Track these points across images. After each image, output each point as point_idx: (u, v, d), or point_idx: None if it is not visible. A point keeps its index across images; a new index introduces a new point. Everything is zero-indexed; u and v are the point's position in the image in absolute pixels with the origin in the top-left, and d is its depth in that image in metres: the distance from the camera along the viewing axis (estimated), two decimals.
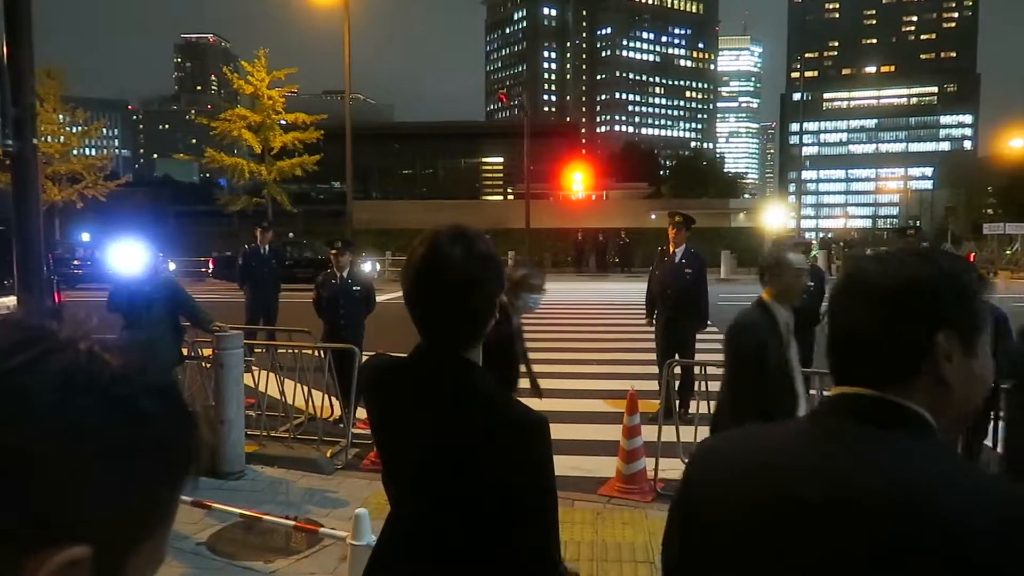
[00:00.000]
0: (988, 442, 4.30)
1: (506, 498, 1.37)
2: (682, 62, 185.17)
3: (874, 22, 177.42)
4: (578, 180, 49.47)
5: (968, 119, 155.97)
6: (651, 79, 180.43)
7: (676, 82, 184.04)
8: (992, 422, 4.23)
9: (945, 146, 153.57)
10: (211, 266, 25.81)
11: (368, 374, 1.60)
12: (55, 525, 0.49)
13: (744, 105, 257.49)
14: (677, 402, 6.59)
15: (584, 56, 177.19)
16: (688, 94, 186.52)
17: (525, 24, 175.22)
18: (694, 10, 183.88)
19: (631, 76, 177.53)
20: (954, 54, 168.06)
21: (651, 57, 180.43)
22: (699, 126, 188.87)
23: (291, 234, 29.18)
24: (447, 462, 1.42)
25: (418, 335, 1.49)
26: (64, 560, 0.49)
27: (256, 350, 7.90)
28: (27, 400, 0.49)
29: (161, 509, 0.56)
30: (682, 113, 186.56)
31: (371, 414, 1.61)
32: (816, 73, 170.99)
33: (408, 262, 1.45)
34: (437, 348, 1.46)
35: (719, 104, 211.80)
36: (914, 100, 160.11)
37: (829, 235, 64.96)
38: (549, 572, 1.42)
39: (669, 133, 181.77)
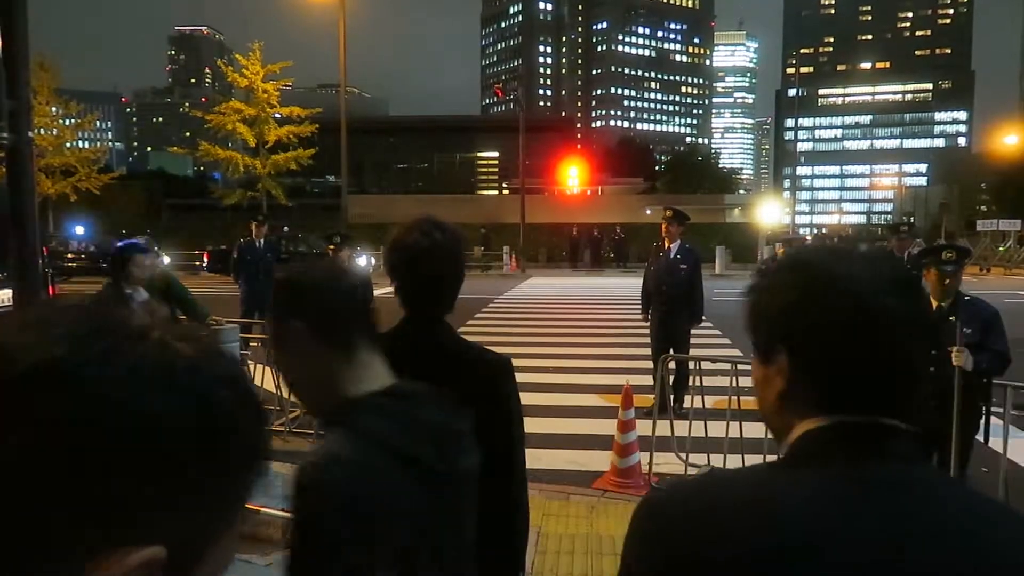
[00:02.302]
0: (980, 437, 4.33)
1: (487, 431, 1.60)
2: (677, 57, 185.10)
3: (869, 18, 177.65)
4: (573, 175, 49.48)
5: (962, 115, 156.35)
6: (647, 74, 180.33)
7: (671, 77, 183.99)
8: (983, 417, 4.27)
9: (939, 142, 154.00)
10: (205, 260, 25.75)
11: None
12: (130, 524, 0.47)
13: (739, 101, 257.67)
14: (671, 397, 6.62)
15: (580, 51, 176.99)
16: (683, 89, 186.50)
17: (521, 19, 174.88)
18: (690, 5, 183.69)
19: (627, 71, 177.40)
20: (949, 51, 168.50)
21: (647, 52, 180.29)
22: (694, 121, 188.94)
23: (286, 228, 29.11)
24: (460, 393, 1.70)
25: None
26: (139, 561, 0.47)
27: (251, 343, 7.89)
28: (103, 393, 0.46)
29: (233, 506, 0.54)
30: (677, 108, 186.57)
31: None
32: (811, 69, 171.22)
33: (396, 249, 1.76)
34: (424, 312, 1.77)
35: (714, 99, 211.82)
36: (909, 96, 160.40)
37: (823, 231, 65.11)
38: (522, 519, 1.76)
39: (664, 128, 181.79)
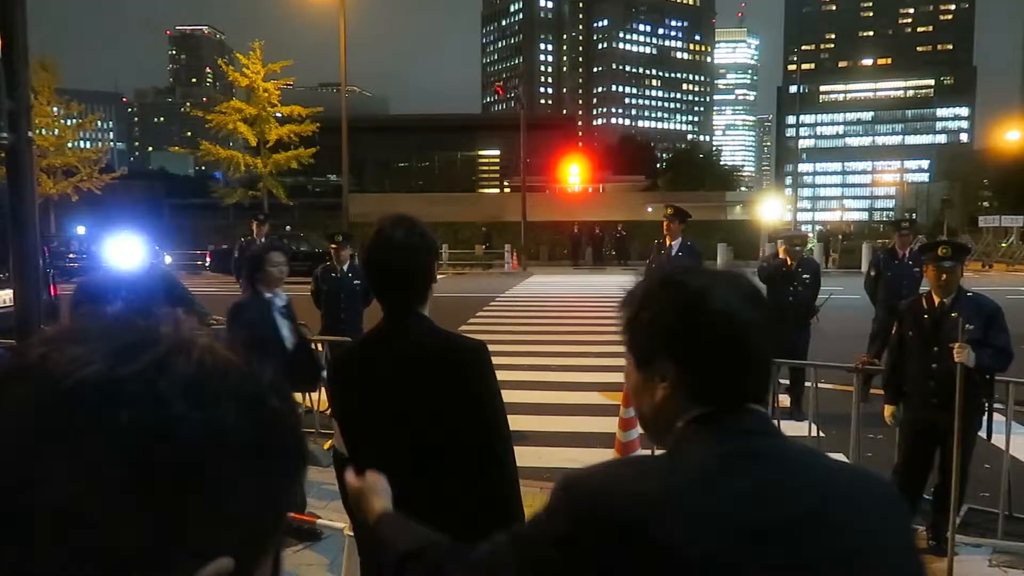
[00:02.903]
0: (982, 433, 4.32)
1: (469, 412, 1.77)
2: (679, 54, 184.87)
3: (871, 14, 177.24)
4: (574, 173, 49.44)
5: (964, 112, 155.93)
6: (648, 71, 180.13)
7: (673, 74, 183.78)
8: (986, 413, 4.25)
9: (941, 139, 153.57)
10: (208, 259, 25.77)
11: (338, 356, 2.12)
12: (200, 539, 0.46)
13: (741, 98, 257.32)
14: None
15: (580, 48, 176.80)
16: (685, 86, 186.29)
17: (522, 16, 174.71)
18: (690, 2, 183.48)
19: (628, 68, 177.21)
20: (951, 47, 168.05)
21: (648, 49, 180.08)
22: (696, 119, 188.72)
23: (288, 227, 29.12)
24: (402, 393, 1.79)
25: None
26: (212, 574, 0.47)
27: None
28: (161, 407, 0.45)
29: (284, 513, 0.53)
30: (679, 106, 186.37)
31: (335, 388, 2.03)
32: (813, 65, 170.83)
33: (365, 243, 1.89)
34: (392, 303, 1.87)
35: (716, 96, 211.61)
36: (910, 93, 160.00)
37: (826, 228, 65.03)
38: (508, 488, 1.84)
39: (666, 126, 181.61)
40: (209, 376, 0.47)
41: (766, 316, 1.00)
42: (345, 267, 7.16)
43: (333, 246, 7.22)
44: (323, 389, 6.99)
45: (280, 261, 4.56)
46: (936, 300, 4.23)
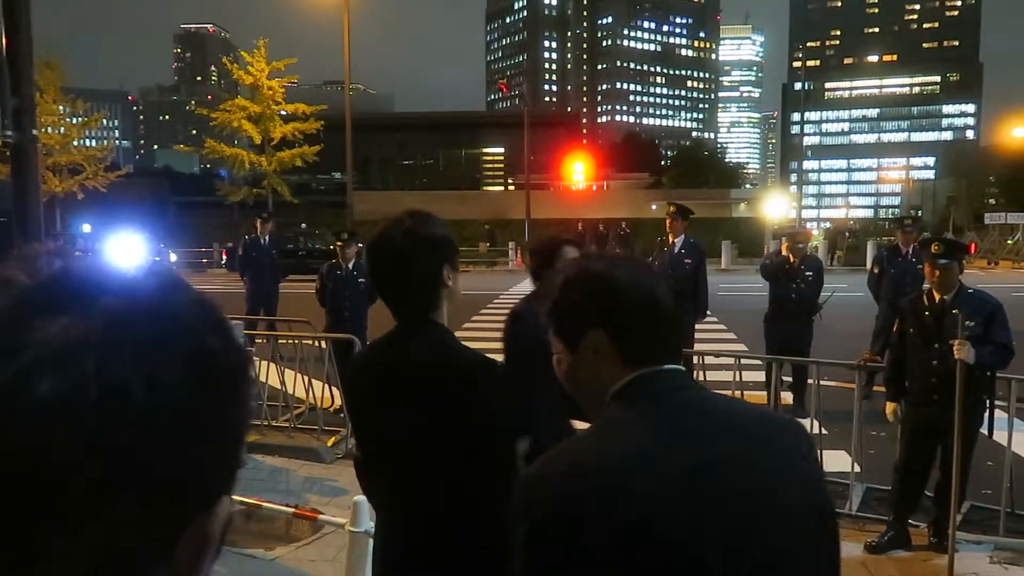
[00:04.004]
0: (984, 430, 4.32)
1: (488, 428, 1.65)
2: (683, 51, 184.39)
3: (876, 11, 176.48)
4: (579, 170, 49.40)
5: (971, 108, 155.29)
6: (652, 69, 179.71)
7: (677, 72, 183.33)
8: (987, 410, 4.26)
9: (947, 135, 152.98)
10: (223, 257, 26.03)
11: (354, 361, 1.92)
12: (200, 489, 0.47)
13: (746, 95, 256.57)
14: None
15: (585, 46, 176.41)
16: (689, 84, 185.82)
17: (525, 13, 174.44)
18: None
19: (632, 66, 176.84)
20: (957, 43, 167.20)
21: (652, 47, 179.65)
22: (700, 116, 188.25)
23: (304, 224, 29.26)
24: (413, 401, 1.67)
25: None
26: (225, 514, 0.48)
27: (257, 340, 7.93)
28: (121, 386, 0.42)
29: (242, 450, 0.52)
30: (683, 103, 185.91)
31: (351, 395, 1.89)
32: (818, 62, 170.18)
33: (367, 243, 1.78)
34: (399, 313, 1.76)
35: (720, 94, 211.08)
36: (916, 89, 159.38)
37: (828, 225, 64.80)
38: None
39: (670, 123, 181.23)
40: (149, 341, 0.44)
41: (661, 282, 1.18)
42: (350, 265, 7.19)
43: (339, 243, 7.28)
44: (327, 387, 7.03)
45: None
46: (937, 297, 4.23)
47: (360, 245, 7.77)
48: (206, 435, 0.46)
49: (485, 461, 1.64)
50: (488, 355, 1.77)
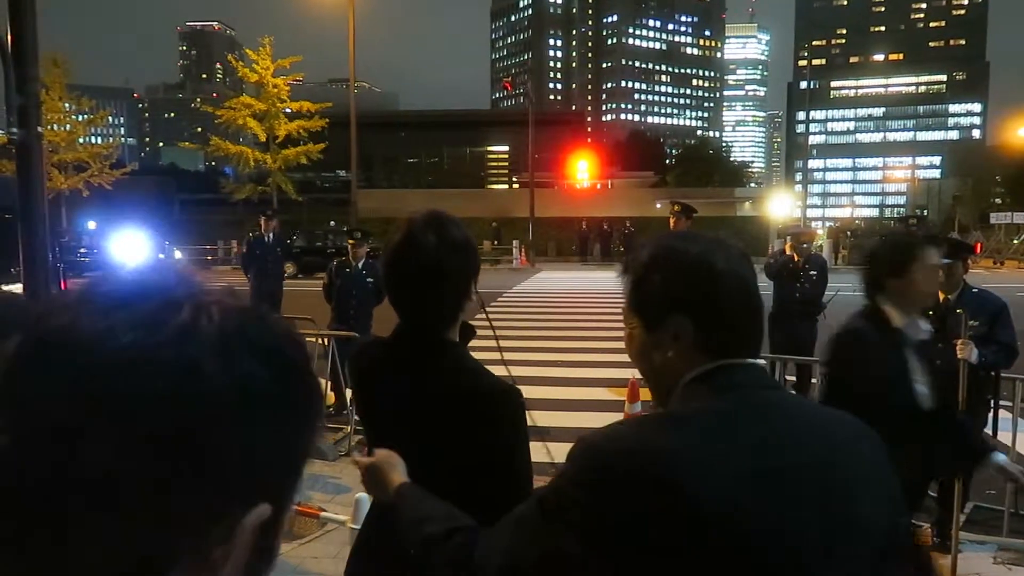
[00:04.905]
0: (988, 430, 4.31)
1: (487, 463, 1.48)
2: (688, 50, 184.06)
3: (882, 9, 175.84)
4: (583, 169, 49.32)
5: (977, 107, 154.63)
6: (657, 67, 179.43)
7: (682, 70, 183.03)
8: (991, 410, 4.25)
9: (953, 135, 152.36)
10: (234, 255, 26.31)
11: (356, 361, 1.72)
12: (239, 491, 0.48)
13: (751, 93, 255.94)
14: None
15: (590, 44, 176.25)
16: (694, 82, 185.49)
17: (530, 12, 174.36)
18: None
19: (637, 64, 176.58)
20: (963, 42, 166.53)
21: (657, 45, 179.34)
22: (705, 114, 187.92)
23: (332, 222, 29.45)
24: (428, 432, 1.51)
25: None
26: (256, 520, 0.48)
27: None
28: (193, 371, 0.45)
29: (307, 457, 0.54)
30: (688, 101, 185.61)
31: (358, 398, 1.75)
32: (823, 61, 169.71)
33: (385, 249, 1.58)
34: (414, 329, 1.58)
35: (725, 92, 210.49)
36: (922, 88, 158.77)
37: (833, 224, 64.69)
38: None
39: (675, 122, 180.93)
40: (231, 334, 0.48)
41: (755, 275, 1.10)
42: (360, 264, 7.22)
43: (351, 242, 7.31)
44: (330, 385, 7.03)
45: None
46: (941, 296, 4.22)
47: (371, 245, 7.79)
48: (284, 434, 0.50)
49: (493, 489, 1.48)
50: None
